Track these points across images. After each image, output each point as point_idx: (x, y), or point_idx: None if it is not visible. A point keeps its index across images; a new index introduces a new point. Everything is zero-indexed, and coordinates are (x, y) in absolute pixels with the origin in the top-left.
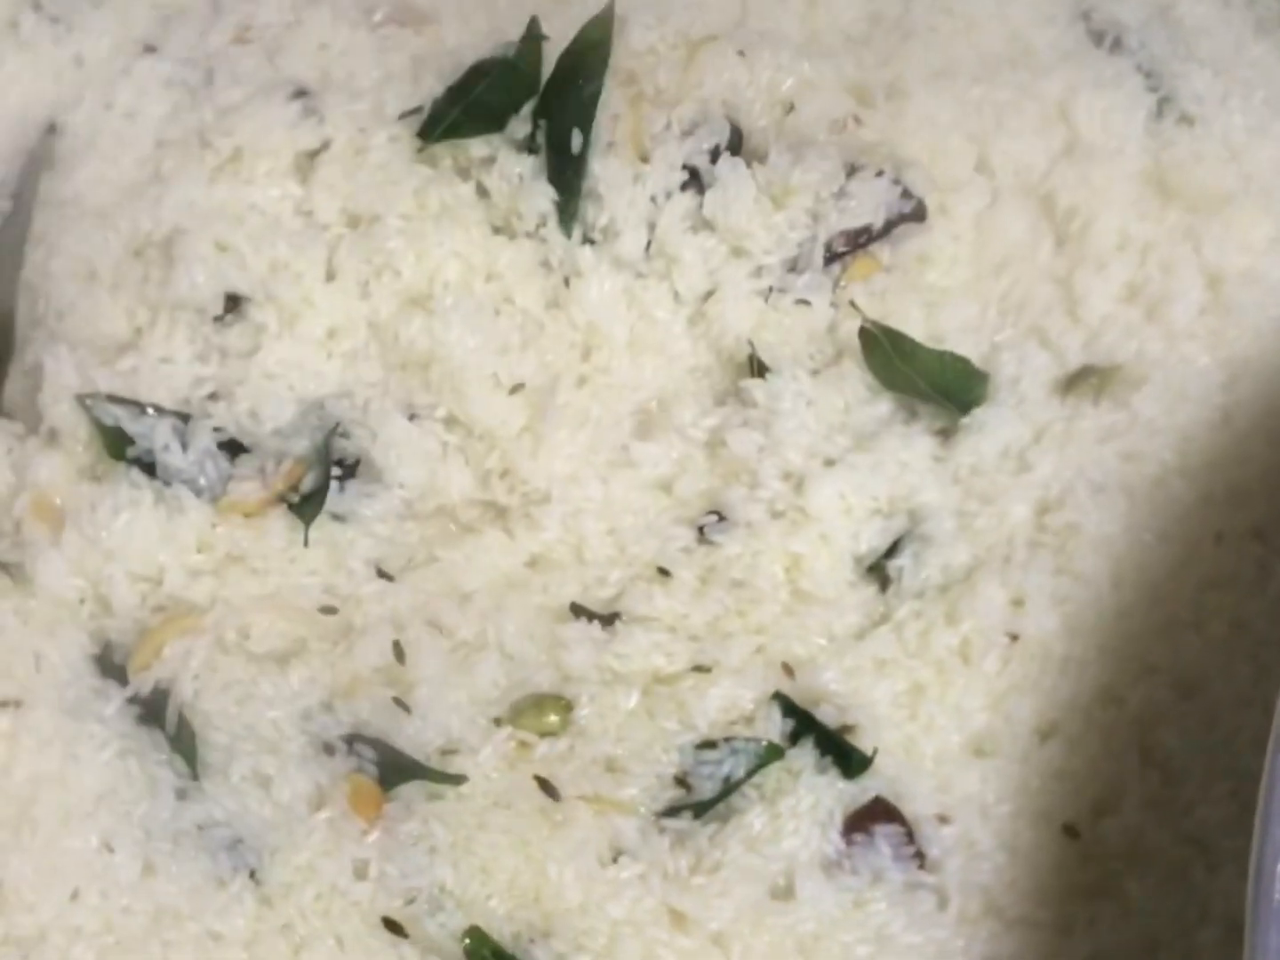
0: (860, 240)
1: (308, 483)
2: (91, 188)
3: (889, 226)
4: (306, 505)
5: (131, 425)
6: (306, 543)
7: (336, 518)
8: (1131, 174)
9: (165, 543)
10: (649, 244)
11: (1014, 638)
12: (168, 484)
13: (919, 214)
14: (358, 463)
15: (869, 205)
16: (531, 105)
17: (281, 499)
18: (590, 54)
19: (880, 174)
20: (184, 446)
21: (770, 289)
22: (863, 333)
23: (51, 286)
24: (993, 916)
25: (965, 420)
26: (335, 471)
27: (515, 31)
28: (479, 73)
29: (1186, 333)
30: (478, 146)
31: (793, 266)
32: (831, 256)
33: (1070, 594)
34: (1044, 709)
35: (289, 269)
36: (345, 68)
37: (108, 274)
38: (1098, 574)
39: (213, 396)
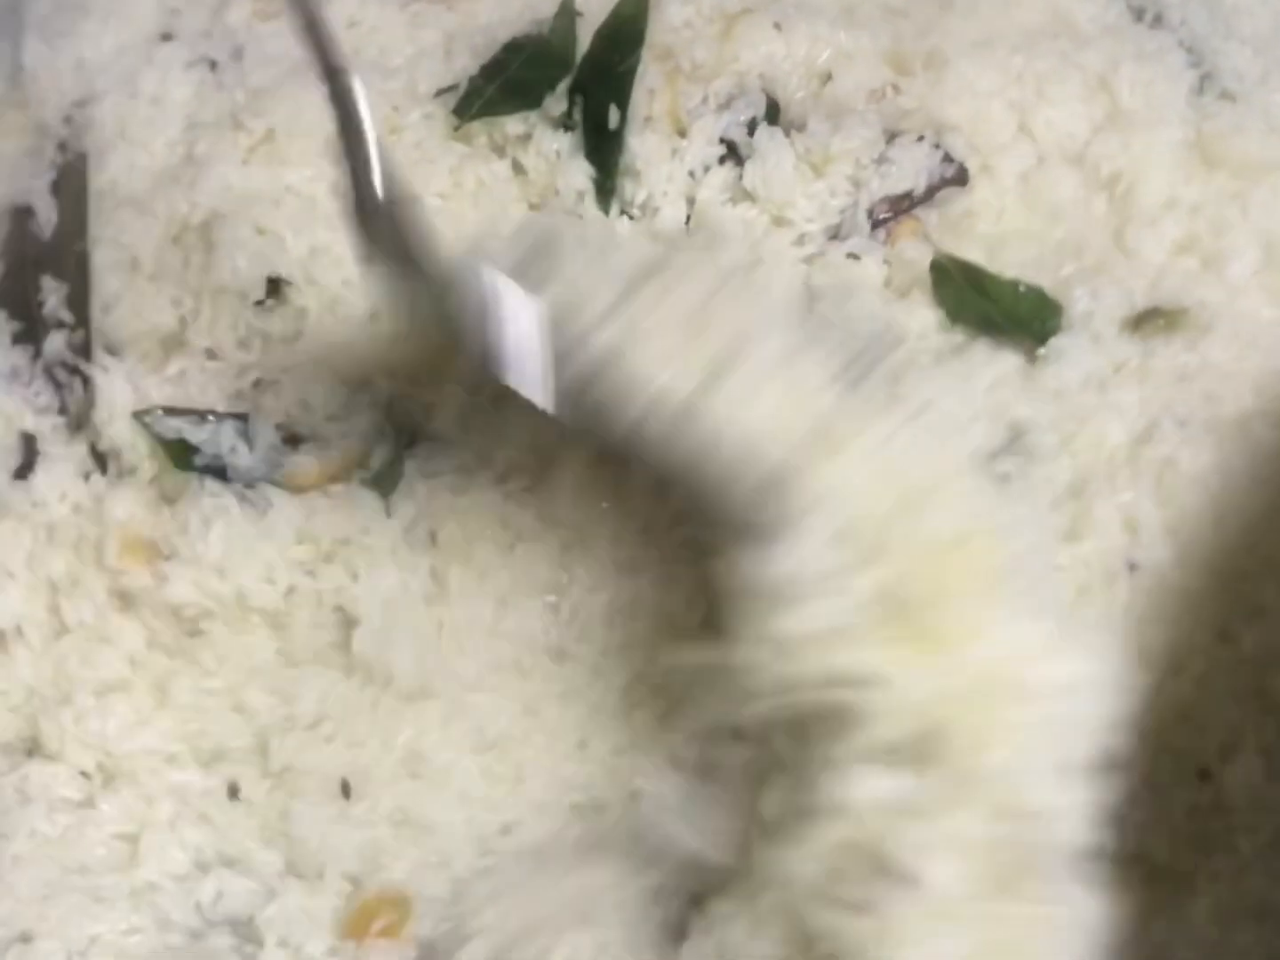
0: (902, 205)
1: (377, 459)
2: (125, 175)
3: (931, 191)
4: (383, 479)
5: (194, 434)
6: (389, 513)
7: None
8: (1174, 142)
9: (265, 540)
10: (689, 218)
11: (1132, 567)
12: (249, 485)
13: (961, 178)
14: (415, 433)
15: (910, 170)
16: (567, 82)
17: (336, 478)
18: (626, 29)
19: (920, 139)
20: (250, 446)
21: (813, 257)
22: (934, 266)
23: (95, 281)
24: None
25: (1042, 350)
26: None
27: (549, 7)
28: (513, 49)
29: (1246, 287)
30: (513, 124)
31: (835, 234)
32: (875, 223)
33: (1178, 526)
34: (1170, 642)
35: (329, 252)
36: (376, 45)
37: (149, 263)
38: (1199, 509)
39: (258, 384)
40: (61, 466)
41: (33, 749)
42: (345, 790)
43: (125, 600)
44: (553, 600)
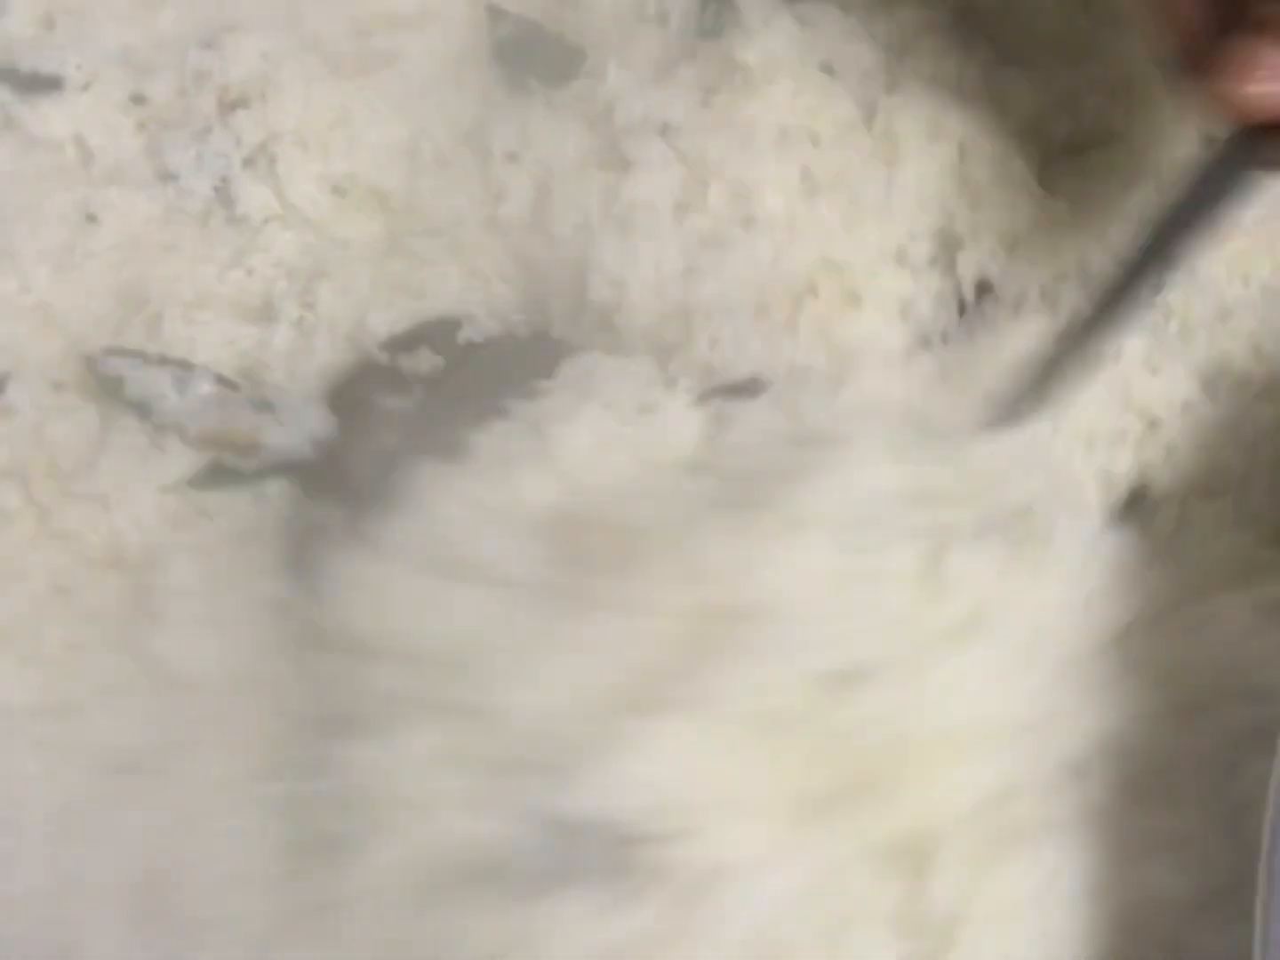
0: None
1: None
2: None
3: None
4: (218, 475)
5: (131, 374)
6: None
7: None
8: None
9: (146, 485)
10: None
11: None
12: (160, 430)
13: None
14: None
15: None
16: None
17: (236, 447)
18: None
19: None
20: (180, 394)
21: None
22: None
23: None
24: None
25: None
26: None
27: None
28: None
29: None
30: None
31: None
32: None
33: None
34: None
35: None
36: None
37: None
38: None
39: None
40: (36, 376)
41: None
42: None
43: (42, 526)
44: None
